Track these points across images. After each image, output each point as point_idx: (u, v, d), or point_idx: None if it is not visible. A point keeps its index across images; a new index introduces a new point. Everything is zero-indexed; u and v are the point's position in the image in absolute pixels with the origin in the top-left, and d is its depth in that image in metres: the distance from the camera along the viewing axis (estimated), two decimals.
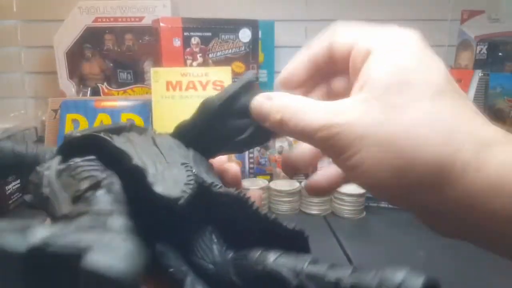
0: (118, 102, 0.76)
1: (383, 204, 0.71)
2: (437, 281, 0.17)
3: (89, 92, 0.87)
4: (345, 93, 0.24)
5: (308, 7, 0.97)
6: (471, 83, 0.70)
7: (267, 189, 0.69)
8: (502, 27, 0.88)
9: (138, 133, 0.28)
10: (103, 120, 0.74)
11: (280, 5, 0.96)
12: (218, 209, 0.23)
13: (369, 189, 0.21)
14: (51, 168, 0.21)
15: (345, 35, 0.23)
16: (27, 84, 0.98)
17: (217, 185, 0.23)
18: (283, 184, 0.69)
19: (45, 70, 0.96)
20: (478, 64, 0.86)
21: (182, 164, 0.23)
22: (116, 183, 0.20)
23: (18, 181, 0.70)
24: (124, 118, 0.74)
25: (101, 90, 0.87)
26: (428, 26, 0.99)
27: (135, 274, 0.14)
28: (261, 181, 0.70)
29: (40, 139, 0.79)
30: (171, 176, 0.22)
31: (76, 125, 0.74)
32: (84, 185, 0.19)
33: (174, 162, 0.24)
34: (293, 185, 0.69)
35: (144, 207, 0.21)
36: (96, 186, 0.19)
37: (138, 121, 0.74)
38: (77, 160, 0.22)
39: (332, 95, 0.25)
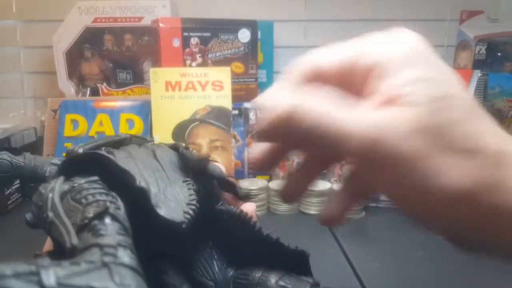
0: (117, 103, 0.76)
1: (382, 204, 0.71)
2: None
3: (88, 92, 0.87)
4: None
5: (308, 7, 0.97)
6: (470, 83, 0.70)
7: (266, 189, 0.69)
8: (501, 27, 0.88)
9: (138, 145, 0.28)
10: (103, 120, 0.74)
11: (279, 5, 0.96)
12: (219, 226, 0.23)
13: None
14: (54, 190, 0.21)
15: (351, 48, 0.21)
16: (26, 84, 0.98)
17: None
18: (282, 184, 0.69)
19: (44, 70, 0.96)
20: (477, 64, 0.86)
21: (184, 181, 0.23)
22: (121, 207, 0.20)
23: (18, 182, 0.70)
24: (123, 119, 0.74)
25: (100, 90, 0.87)
26: (427, 26, 0.99)
27: None
28: (260, 181, 0.70)
29: (39, 140, 0.79)
30: (173, 195, 0.22)
31: (76, 125, 0.74)
32: (90, 212, 0.19)
33: (175, 178, 0.24)
34: None
35: (146, 224, 0.21)
36: (102, 214, 0.19)
37: (138, 121, 0.74)
38: (81, 181, 0.21)
39: None
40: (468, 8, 0.91)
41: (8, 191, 0.68)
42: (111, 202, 0.20)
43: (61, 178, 0.22)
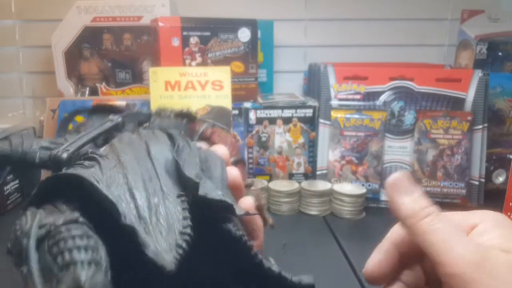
0: (116, 102, 0.76)
1: (383, 205, 0.71)
2: None
3: (87, 92, 0.86)
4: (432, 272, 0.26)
5: (308, 7, 0.97)
6: (471, 83, 0.70)
7: (266, 189, 0.69)
8: (502, 27, 0.88)
9: (131, 129, 0.27)
10: None
11: (279, 4, 0.96)
12: (216, 249, 0.22)
13: None
14: (30, 236, 0.19)
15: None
16: (25, 84, 0.98)
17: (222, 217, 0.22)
18: (282, 185, 0.69)
19: (43, 70, 0.96)
20: (478, 63, 0.86)
21: (179, 196, 0.22)
22: (102, 259, 0.18)
23: (17, 181, 0.70)
24: None
25: (99, 90, 0.87)
26: (428, 25, 0.99)
27: None
28: (260, 182, 0.70)
29: None
30: (165, 218, 0.20)
31: (75, 125, 0.74)
32: (64, 283, 0.17)
33: (170, 188, 0.22)
34: (292, 185, 0.69)
35: (135, 253, 0.19)
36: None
37: None
38: (59, 221, 0.19)
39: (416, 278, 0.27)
40: (469, 7, 0.91)
41: (7, 191, 0.67)
42: (89, 263, 0.17)
43: (37, 218, 0.20)
